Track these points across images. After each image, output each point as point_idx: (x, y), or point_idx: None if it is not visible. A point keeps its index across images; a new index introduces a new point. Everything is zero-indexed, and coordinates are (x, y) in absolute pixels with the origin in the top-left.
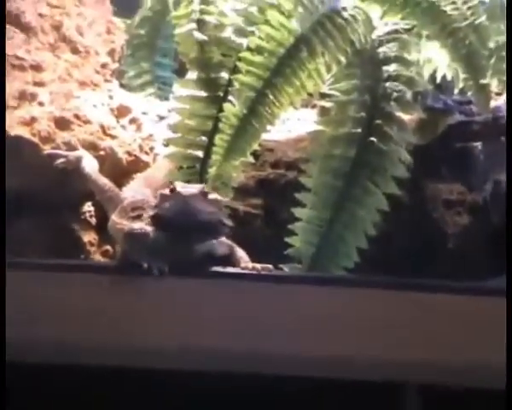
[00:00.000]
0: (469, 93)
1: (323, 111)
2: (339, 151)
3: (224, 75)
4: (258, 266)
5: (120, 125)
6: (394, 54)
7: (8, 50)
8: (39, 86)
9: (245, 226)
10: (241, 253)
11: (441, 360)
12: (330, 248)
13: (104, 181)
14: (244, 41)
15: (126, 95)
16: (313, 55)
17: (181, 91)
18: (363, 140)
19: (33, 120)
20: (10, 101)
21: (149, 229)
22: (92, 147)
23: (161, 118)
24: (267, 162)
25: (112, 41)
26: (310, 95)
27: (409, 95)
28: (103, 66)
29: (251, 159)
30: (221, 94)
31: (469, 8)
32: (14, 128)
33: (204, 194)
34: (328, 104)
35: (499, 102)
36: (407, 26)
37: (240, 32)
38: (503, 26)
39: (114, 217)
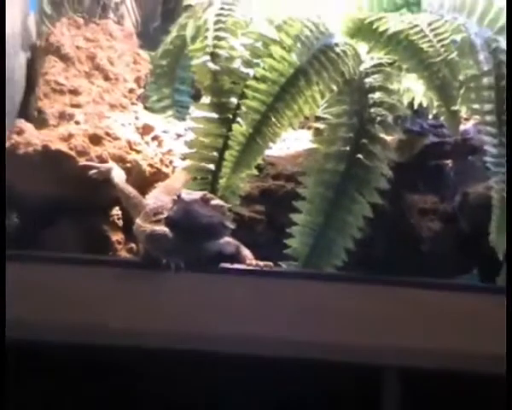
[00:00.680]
0: (442, 118)
1: (317, 132)
2: (330, 166)
3: (233, 100)
4: (261, 263)
5: (144, 141)
6: (378, 84)
7: (50, 77)
8: (76, 108)
9: (250, 229)
10: (246, 252)
11: (418, 346)
12: (322, 249)
13: (130, 189)
14: (251, 71)
15: (150, 116)
16: (309, 84)
17: (196, 113)
18: (351, 157)
19: (70, 136)
20: (51, 120)
21: (168, 231)
22: (120, 160)
23: (179, 136)
24: (269, 175)
25: (138, 70)
26: (306, 118)
27: (390, 119)
28: (130, 91)
29: (255, 172)
30: (230, 116)
31: (442, 45)
32: (54, 143)
33: (206, 200)
34: (321, 126)
35: (467, 126)
36: (389, 61)
37: (247, 63)
38: (472, 62)
39: (139, 220)
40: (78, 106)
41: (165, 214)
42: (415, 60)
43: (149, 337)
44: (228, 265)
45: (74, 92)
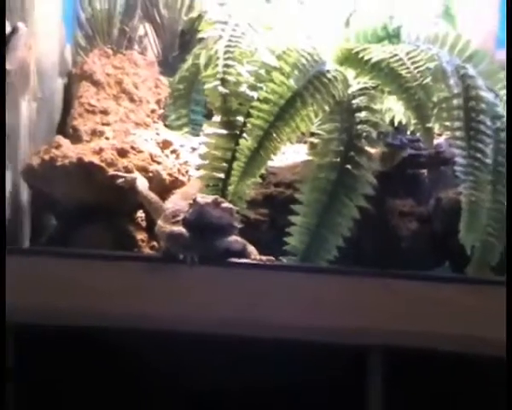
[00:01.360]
0: (418, 134)
1: (312, 145)
2: (323, 175)
3: (240, 119)
4: (264, 258)
5: (164, 154)
6: (364, 104)
7: (84, 99)
8: (106, 126)
9: (254, 229)
10: (251, 248)
11: (399, 328)
12: (317, 246)
13: (152, 195)
14: (255, 94)
15: (169, 132)
16: (305, 105)
17: (208, 130)
18: (341, 167)
19: (101, 150)
20: (85, 136)
21: (184, 231)
22: (143, 170)
23: (194, 149)
24: (271, 182)
25: (159, 93)
26: (302, 133)
27: (374, 134)
28: (152, 111)
29: (259, 180)
30: (238, 132)
31: (418, 72)
32: (87, 156)
33: (217, 203)
34: (315, 140)
35: (440, 140)
36: (373, 85)
37: (252, 87)
38: (443, 86)
39: (159, 222)
40: (107, 124)
41: (182, 216)
42: (395, 84)
43: (168, 321)
44: (235, 260)
45: (104, 112)
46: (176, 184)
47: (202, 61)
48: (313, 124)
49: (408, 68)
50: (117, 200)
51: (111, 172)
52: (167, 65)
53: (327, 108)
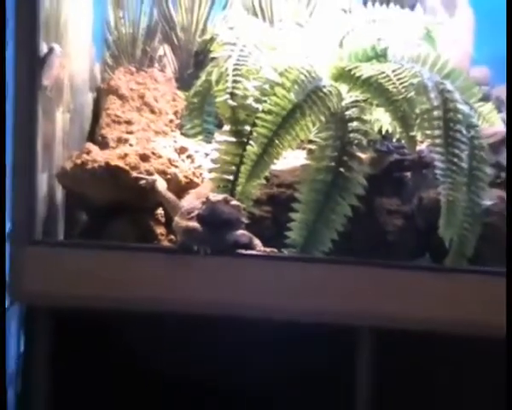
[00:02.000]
0: (403, 141)
1: (310, 151)
2: (320, 177)
3: (247, 128)
4: (268, 250)
5: (181, 159)
6: (356, 115)
7: (110, 111)
8: (129, 134)
9: (259, 224)
10: (256, 241)
11: (385, 310)
12: (314, 239)
13: (170, 195)
14: (260, 106)
15: (185, 140)
16: (304, 116)
17: (219, 138)
18: (336, 170)
19: (126, 155)
20: (111, 143)
21: (198, 226)
22: (163, 173)
23: (207, 155)
24: (274, 184)
25: (176, 106)
26: (302, 141)
27: (365, 142)
28: (170, 121)
29: (264, 181)
30: (245, 140)
31: (403, 87)
32: (113, 160)
33: (227, 200)
34: (313, 147)
35: (422, 147)
36: (364, 98)
37: (257, 100)
38: (425, 99)
39: (176, 218)
40: (131, 133)
41: (196, 213)
42: (382, 97)
43: (184, 305)
44: (243, 251)
45: (128, 123)
46: (191, 185)
47: (214, 77)
48: (311, 132)
49: (394, 84)
50: (139, 199)
51: (134, 174)
52: (183, 81)
53: (323, 118)
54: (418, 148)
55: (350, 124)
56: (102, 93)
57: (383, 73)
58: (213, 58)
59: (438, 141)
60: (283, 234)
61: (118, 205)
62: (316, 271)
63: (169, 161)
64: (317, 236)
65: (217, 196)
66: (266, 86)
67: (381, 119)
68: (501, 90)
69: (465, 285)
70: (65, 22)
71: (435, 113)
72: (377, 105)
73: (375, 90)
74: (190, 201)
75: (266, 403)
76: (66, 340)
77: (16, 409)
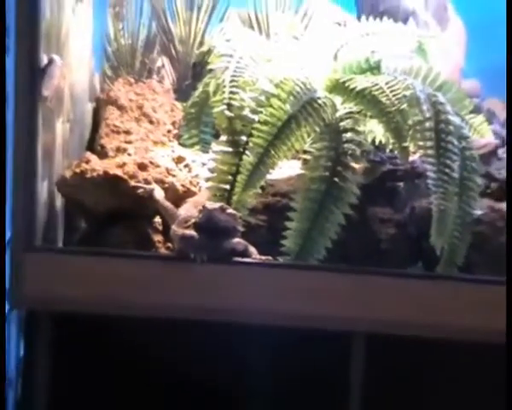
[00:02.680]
0: (396, 152)
1: (305, 161)
2: (314, 186)
3: (243, 138)
4: (263, 257)
5: (178, 168)
6: (350, 126)
7: (109, 121)
8: (128, 144)
9: (255, 233)
10: (252, 249)
11: (379, 317)
12: (308, 247)
13: (167, 204)
14: (256, 117)
15: (182, 150)
16: (299, 127)
17: (216, 148)
18: (330, 180)
19: (124, 164)
20: (110, 152)
21: (195, 233)
22: (160, 182)
23: (204, 164)
24: (269, 193)
25: (174, 116)
26: (297, 151)
27: (358, 152)
28: (168, 131)
29: (259, 190)
30: (241, 150)
31: (396, 98)
32: (112, 169)
33: (223, 209)
34: (308, 157)
35: (414, 157)
36: (357, 110)
37: (254, 111)
38: (417, 111)
39: (174, 226)
40: (129, 142)
41: (193, 221)
42: (376, 109)
43: (180, 310)
44: (239, 259)
45: (127, 132)
46: (188, 194)
47: (211, 88)
48: (306, 143)
49: (387, 96)
50: (137, 207)
51: (132, 183)
52: (181, 92)
53: (317, 129)
54: (410, 158)
55: (344, 135)
56: (102, 103)
57: (377, 85)
58: (211, 70)
59: (430, 152)
60: (279, 242)
61: (116, 213)
62: (310, 278)
63: (167, 170)
64: (312, 244)
65: (213, 205)
66: (262, 97)
67: (375, 130)
68: (491, 103)
69: (456, 293)
70: (65, 33)
71: (427, 124)
72: (371, 116)
73: (369, 101)
74: (187, 209)
75: (262, 407)
76: (66, 345)
77: None
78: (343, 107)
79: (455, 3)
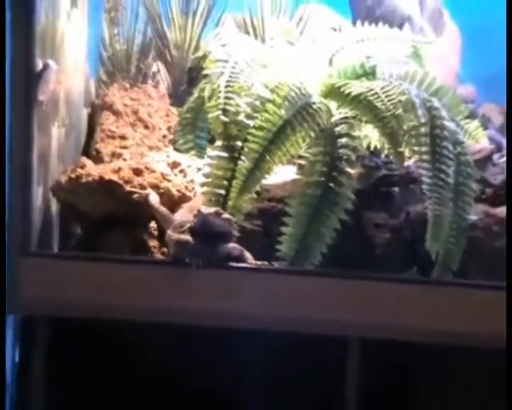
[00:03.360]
0: (391, 157)
1: (300, 166)
2: (310, 191)
3: (239, 143)
4: (259, 262)
5: (174, 173)
6: (345, 131)
7: (105, 126)
8: (123, 149)
9: (250, 238)
10: (247, 254)
11: (374, 321)
12: (304, 252)
13: (163, 209)
14: (251, 122)
15: (177, 155)
16: (294, 132)
17: (212, 153)
18: (325, 185)
19: (119, 169)
20: (105, 157)
21: (190, 238)
22: (156, 187)
23: (199, 169)
24: (265, 198)
25: (169, 121)
26: (292, 156)
27: (354, 157)
28: (164, 137)
29: (255, 196)
30: (236, 155)
31: (392, 104)
32: (107, 174)
33: (219, 213)
34: (303, 162)
35: (409, 162)
36: (353, 115)
37: (249, 116)
38: (412, 116)
39: (169, 231)
40: (125, 147)
41: (189, 226)
42: (371, 114)
43: (175, 315)
44: (234, 264)
45: (122, 138)
46: (183, 199)
47: (206, 93)
48: (301, 148)
49: (382, 101)
50: (133, 212)
51: (128, 188)
52: (177, 97)
53: (313, 134)
54: (406, 163)
55: (339, 140)
56: (97, 109)
57: (372, 90)
58: (206, 75)
59: (425, 157)
60: (274, 247)
61: (111, 218)
62: (306, 283)
63: (162, 175)
64: (307, 249)
65: (209, 209)
66: (257, 103)
67: (370, 135)
68: (487, 108)
69: (451, 298)
70: (60, 38)
71: (422, 129)
72: (366, 122)
73: (364, 107)
74: (183, 214)
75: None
76: (62, 350)
77: None
78: (338, 112)
79: (450, 9)
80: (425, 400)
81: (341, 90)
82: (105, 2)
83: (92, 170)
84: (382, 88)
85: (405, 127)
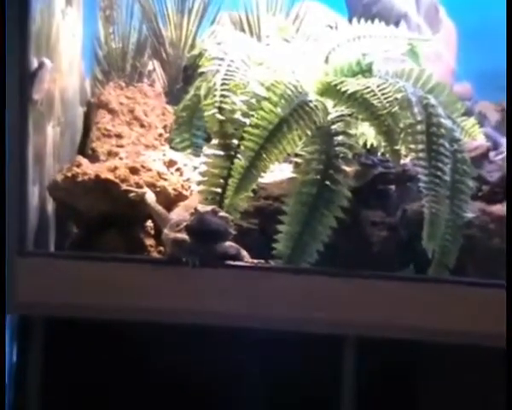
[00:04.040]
0: (387, 155)
1: (296, 165)
2: (306, 190)
3: (235, 142)
4: (255, 261)
5: (170, 172)
6: (341, 129)
7: (101, 125)
8: (120, 147)
9: (247, 236)
10: (244, 253)
11: (370, 320)
12: (300, 250)
13: (159, 207)
14: (247, 120)
15: (174, 153)
16: (290, 130)
17: (208, 151)
18: (321, 183)
19: (116, 168)
20: (101, 156)
21: (186, 237)
22: (152, 186)
23: (195, 168)
24: (261, 196)
25: (165, 120)
26: (288, 154)
27: (350, 155)
28: (160, 135)
29: (251, 194)
30: (233, 153)
31: (388, 101)
32: (104, 173)
33: (215, 211)
34: (299, 160)
35: (406, 160)
36: (349, 113)
37: (245, 114)
38: (409, 114)
39: (165, 230)
40: (121, 146)
41: (185, 224)
42: (367, 112)
43: (171, 314)
44: (231, 262)
45: (118, 136)
46: (180, 197)
47: (202, 92)
48: (297, 146)
49: (379, 99)
50: (129, 211)
51: (124, 187)
52: (172, 95)
53: (309, 132)
54: (402, 161)
55: (335, 138)
56: (93, 107)
57: (368, 87)
58: (202, 73)
59: (421, 155)
60: (270, 245)
61: (108, 217)
62: (302, 281)
63: (158, 174)
64: (304, 247)
65: (205, 208)
66: (253, 101)
67: (366, 133)
68: (483, 106)
69: (447, 295)
70: (55, 37)
71: (419, 127)
72: (362, 119)
73: (360, 104)
74: (179, 213)
75: (252, 408)
76: (58, 350)
77: None
78: (334, 110)
79: (446, 6)
80: (422, 398)
81: (337, 87)
82: (100, 0)
83: (88, 169)
84: (378, 86)
85: (401, 125)
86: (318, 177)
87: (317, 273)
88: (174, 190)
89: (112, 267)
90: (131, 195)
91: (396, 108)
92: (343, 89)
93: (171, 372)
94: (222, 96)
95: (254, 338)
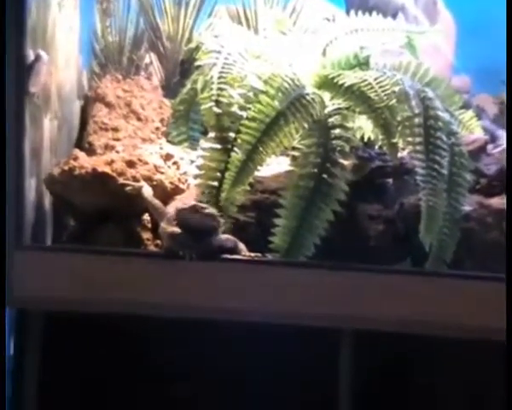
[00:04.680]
0: (384, 148)
1: (293, 158)
2: (303, 183)
3: (232, 135)
4: (252, 254)
5: (167, 166)
6: (338, 123)
7: (97, 118)
8: (116, 141)
9: (244, 230)
10: (241, 246)
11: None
12: (297, 244)
13: (156, 201)
14: (244, 114)
15: (170, 147)
16: (287, 123)
17: (205, 145)
18: (319, 176)
19: (112, 161)
20: (98, 150)
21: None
22: (149, 179)
23: (192, 161)
24: (258, 190)
25: (162, 113)
26: (285, 148)
27: (347, 148)
28: (156, 129)
29: (248, 187)
30: (230, 147)
31: (385, 94)
32: (100, 167)
33: (196, 208)
34: (296, 154)
35: (403, 153)
36: (346, 106)
37: (242, 108)
38: (406, 106)
39: (162, 224)
40: (118, 140)
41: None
42: (365, 105)
43: (169, 308)
44: (228, 255)
45: (115, 130)
46: (176, 191)
47: (199, 85)
48: (294, 139)
49: (376, 92)
50: (126, 205)
51: (121, 180)
52: (169, 89)
53: (306, 125)
54: (399, 154)
55: (333, 131)
56: (90, 101)
57: (365, 80)
58: (199, 66)
59: (419, 148)
60: (267, 239)
61: (105, 210)
62: (299, 275)
63: (155, 167)
64: (301, 241)
65: (184, 205)
66: (250, 94)
67: (364, 126)
68: (481, 99)
69: (445, 289)
70: (52, 30)
71: (416, 120)
72: (359, 112)
73: (358, 97)
74: (176, 207)
75: (249, 404)
76: (56, 344)
77: None
78: (332, 103)
79: None
80: (419, 392)
81: (335, 80)
82: None
83: (85, 162)
84: (376, 79)
85: (399, 118)
86: (315, 170)
87: (314, 267)
88: (171, 183)
89: (109, 261)
90: (128, 188)
91: (393, 101)
92: (340, 82)
93: (170, 367)
94: (219, 89)
95: (249, 332)
